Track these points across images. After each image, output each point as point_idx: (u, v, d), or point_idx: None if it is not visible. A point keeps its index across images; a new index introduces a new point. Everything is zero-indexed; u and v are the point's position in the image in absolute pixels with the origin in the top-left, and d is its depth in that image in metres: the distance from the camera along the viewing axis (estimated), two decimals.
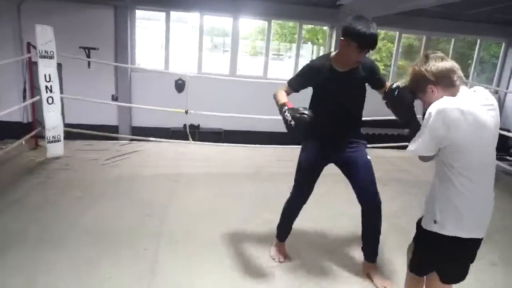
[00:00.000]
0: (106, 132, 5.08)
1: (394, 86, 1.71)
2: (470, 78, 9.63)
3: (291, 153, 4.92)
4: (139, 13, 8.25)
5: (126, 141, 5.11)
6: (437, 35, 9.41)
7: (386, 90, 1.81)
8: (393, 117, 1.79)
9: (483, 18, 8.26)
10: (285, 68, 9.49)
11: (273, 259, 2.52)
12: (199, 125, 8.09)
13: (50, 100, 4.11)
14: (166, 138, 5.33)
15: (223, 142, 5.39)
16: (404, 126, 1.72)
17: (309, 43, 10.71)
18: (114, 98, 7.96)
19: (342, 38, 1.99)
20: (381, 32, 9.47)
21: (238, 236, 2.80)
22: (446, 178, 1.51)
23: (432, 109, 1.44)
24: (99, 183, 3.62)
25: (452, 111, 1.41)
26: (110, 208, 3.11)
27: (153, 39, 9.35)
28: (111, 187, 3.55)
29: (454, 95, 1.49)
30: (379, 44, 9.90)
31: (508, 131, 8.23)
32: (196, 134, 7.62)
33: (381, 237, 2.34)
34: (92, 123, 7.08)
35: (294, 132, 1.95)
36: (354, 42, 1.93)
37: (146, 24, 9.59)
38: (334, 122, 2.21)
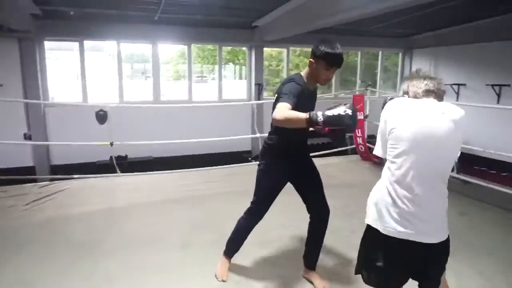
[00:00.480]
0: (22, 175, 4.65)
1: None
2: (377, 86, 10.71)
3: (217, 174, 5.01)
4: (49, 44, 7.77)
5: (46, 182, 4.72)
6: (345, 49, 10.34)
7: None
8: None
9: (382, 33, 9.31)
10: (209, 90, 9.60)
11: (217, 277, 2.54)
12: (126, 155, 7.78)
13: None
14: (92, 173, 5.05)
15: (153, 170, 5.24)
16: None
17: (231, 63, 11.02)
18: (27, 137, 7.32)
19: (311, 59, 2.14)
20: (297, 49, 10.15)
21: (179, 262, 2.75)
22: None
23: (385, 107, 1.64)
24: (22, 230, 3.29)
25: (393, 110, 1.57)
26: (36, 255, 2.85)
27: (67, 70, 8.84)
28: (36, 232, 3.25)
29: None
30: (297, 60, 10.56)
31: None
32: (125, 165, 7.32)
33: None
34: (3, 167, 6.43)
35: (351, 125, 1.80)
36: (322, 61, 2.10)
37: (58, 55, 9.06)
38: (302, 139, 2.39)
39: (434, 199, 1.57)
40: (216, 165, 5.24)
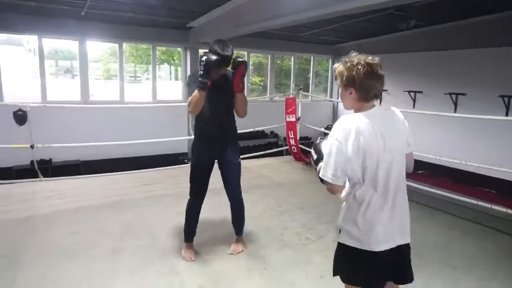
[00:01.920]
0: None
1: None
2: (310, 89, 11.23)
3: (156, 176, 4.89)
4: None
5: None
6: (280, 53, 10.70)
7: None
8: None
9: (313, 39, 9.80)
10: (143, 91, 9.28)
11: (185, 259, 2.77)
12: (51, 159, 7.21)
13: None
14: (9, 179, 4.60)
15: (82, 174, 4.93)
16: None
17: (166, 64, 10.77)
18: None
19: None
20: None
21: (106, 271, 2.63)
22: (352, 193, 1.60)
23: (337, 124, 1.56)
24: None
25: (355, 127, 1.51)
26: None
27: None
28: None
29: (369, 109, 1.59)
30: None
31: None
32: (49, 169, 6.78)
33: (251, 237, 2.57)
34: None
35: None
36: None
37: None
38: (215, 125, 2.65)
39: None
40: (149, 168, 5.10)
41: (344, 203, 1.62)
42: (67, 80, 9.31)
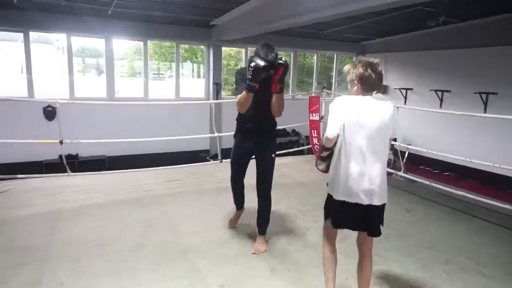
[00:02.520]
0: None
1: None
2: (333, 88, 11.07)
3: (179, 173, 4.94)
4: None
5: None
6: (303, 51, 10.60)
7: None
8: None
9: (337, 37, 9.65)
10: (166, 88, 9.40)
11: (229, 224, 3.28)
12: (77, 154, 7.42)
13: None
14: (40, 173, 4.75)
15: (107, 170, 5.04)
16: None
17: (189, 61, 10.87)
18: None
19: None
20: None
21: (130, 265, 2.68)
22: (338, 153, 2.08)
23: (335, 102, 2.13)
24: None
25: (348, 105, 2.06)
26: None
27: (10, 63, 8.25)
28: None
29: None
30: None
31: None
32: (76, 164, 6.98)
33: (273, 236, 2.55)
34: None
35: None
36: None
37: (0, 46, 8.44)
38: (253, 120, 2.81)
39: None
40: (173, 165, 5.15)
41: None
42: (93, 77, 9.56)
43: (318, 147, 6.10)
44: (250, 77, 2.54)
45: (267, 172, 2.91)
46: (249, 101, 2.64)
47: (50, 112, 7.09)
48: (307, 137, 6.23)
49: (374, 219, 2.04)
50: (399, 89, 9.78)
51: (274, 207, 3.07)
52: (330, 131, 2.00)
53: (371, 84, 2.01)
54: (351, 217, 2.07)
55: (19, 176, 4.39)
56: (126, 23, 7.62)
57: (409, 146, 4.99)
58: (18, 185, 4.27)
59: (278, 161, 5.80)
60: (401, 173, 4.74)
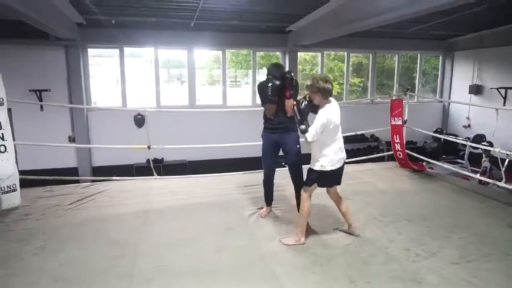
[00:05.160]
0: (65, 176, 4.88)
1: (304, 101, 3.03)
2: (416, 90, 10.33)
3: (251, 178, 5.00)
4: (91, 51, 8.17)
5: (88, 183, 4.94)
6: (382, 52, 10.09)
7: (300, 102, 3.06)
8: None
9: (421, 35, 9.00)
10: (243, 95, 9.67)
11: (260, 215, 3.66)
12: (162, 158, 7.99)
13: (2, 148, 3.91)
14: (130, 175, 5.22)
15: (188, 173, 5.33)
16: (300, 124, 3.00)
17: (264, 68, 11.04)
18: (72, 140, 7.72)
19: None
20: (331, 53, 10.02)
21: (212, 265, 2.77)
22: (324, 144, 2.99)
23: (322, 112, 2.94)
24: (64, 228, 3.45)
25: (330, 114, 2.93)
26: (78, 253, 2.97)
27: (108, 76, 9.24)
28: (77, 231, 3.40)
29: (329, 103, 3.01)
30: (331, 64, 10.42)
31: (456, 136, 8.85)
32: (161, 168, 7.52)
33: (352, 248, 2.43)
34: (48, 167, 6.79)
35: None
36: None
37: (99, 61, 9.48)
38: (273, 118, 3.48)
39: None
40: (250, 170, 5.25)
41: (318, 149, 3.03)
42: (177, 86, 10.23)
43: (401, 154, 5.74)
44: (270, 93, 3.29)
45: (294, 164, 3.49)
46: (274, 109, 3.42)
47: (139, 120, 7.76)
48: (387, 143, 5.86)
49: (341, 173, 3.13)
50: (497, 88, 8.75)
51: (354, 215, 2.95)
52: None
53: (329, 93, 2.97)
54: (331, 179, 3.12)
55: (114, 178, 4.87)
56: (206, 34, 8.04)
57: (510, 153, 4.40)
58: (113, 186, 4.72)
59: (357, 167, 5.61)
60: (500, 183, 4.20)
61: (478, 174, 6.30)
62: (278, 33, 8.48)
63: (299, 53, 9.17)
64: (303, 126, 2.96)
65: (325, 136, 2.94)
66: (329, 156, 2.99)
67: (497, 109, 4.45)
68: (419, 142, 9.81)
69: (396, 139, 5.41)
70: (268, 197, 3.73)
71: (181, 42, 8.22)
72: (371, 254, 2.92)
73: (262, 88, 3.43)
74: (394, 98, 5.82)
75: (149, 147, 4.78)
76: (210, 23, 7.37)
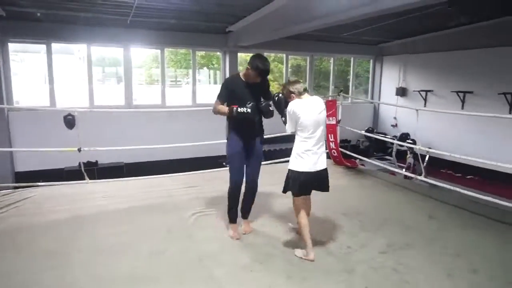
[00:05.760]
0: None
1: (278, 95, 3.07)
2: (350, 91, 10.94)
3: (196, 178, 4.94)
4: (13, 46, 7.46)
5: (10, 190, 4.50)
6: (319, 55, 10.53)
7: (274, 96, 3.10)
8: None
9: (354, 39, 9.55)
10: (183, 95, 9.49)
11: (231, 238, 3.20)
12: (97, 161, 7.56)
13: None
14: (61, 180, 4.85)
15: (125, 176, 5.09)
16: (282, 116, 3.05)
17: (205, 68, 10.95)
18: None
19: (248, 67, 3.07)
20: (271, 55, 10.22)
21: (149, 271, 2.68)
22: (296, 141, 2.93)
23: (290, 106, 2.90)
24: None
25: (296, 107, 2.86)
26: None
27: (33, 73, 8.50)
28: None
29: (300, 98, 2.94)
30: (271, 65, 10.63)
31: (385, 134, 9.52)
32: (95, 171, 7.09)
33: (291, 243, 2.49)
34: None
35: (251, 115, 2.99)
36: (254, 71, 3.03)
37: (23, 57, 8.69)
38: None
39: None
40: (191, 171, 5.17)
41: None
42: (113, 86, 9.74)
43: (335, 152, 6.02)
44: (279, 109, 3.10)
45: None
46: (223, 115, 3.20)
47: (70, 121, 7.21)
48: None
49: (323, 178, 3.05)
50: (419, 91, 9.58)
51: (292, 212, 3.01)
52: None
53: (298, 93, 2.95)
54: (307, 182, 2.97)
55: (40, 183, 4.49)
56: (143, 32, 7.76)
57: (430, 150, 4.84)
58: (40, 192, 4.36)
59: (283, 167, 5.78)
60: (421, 178, 4.60)
61: (404, 170, 6.86)
62: (218, 33, 8.45)
63: (239, 54, 9.23)
64: (283, 118, 3.03)
65: (298, 133, 2.90)
66: (297, 156, 2.90)
67: (417, 110, 4.87)
68: (353, 141, 10.40)
69: (331, 138, 5.67)
70: (234, 212, 3.30)
71: (116, 40, 7.83)
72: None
73: (225, 85, 3.29)
74: (329, 99, 6.10)
75: (79, 150, 4.48)
76: (147, 21, 7.12)
